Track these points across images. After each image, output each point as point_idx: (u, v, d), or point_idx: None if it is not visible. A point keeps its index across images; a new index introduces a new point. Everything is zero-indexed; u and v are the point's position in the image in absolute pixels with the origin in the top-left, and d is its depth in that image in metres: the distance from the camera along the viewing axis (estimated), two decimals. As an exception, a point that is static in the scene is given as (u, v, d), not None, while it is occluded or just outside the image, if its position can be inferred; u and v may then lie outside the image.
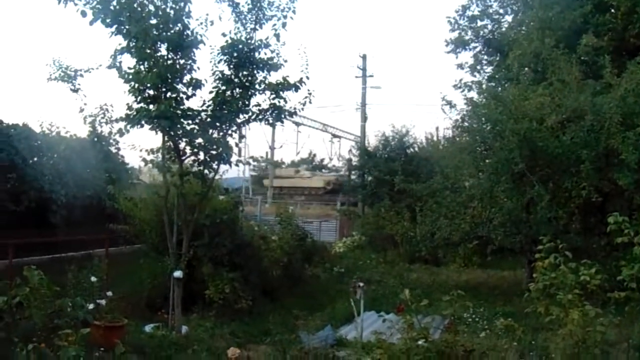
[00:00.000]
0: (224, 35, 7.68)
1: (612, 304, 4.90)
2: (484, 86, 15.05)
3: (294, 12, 7.58)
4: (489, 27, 18.65)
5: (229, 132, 7.99)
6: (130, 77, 7.18)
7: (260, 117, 8.09)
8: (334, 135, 49.37)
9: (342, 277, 13.25)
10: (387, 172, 19.56)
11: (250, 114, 8.04)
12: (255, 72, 7.83)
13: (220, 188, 10.90)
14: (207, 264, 9.63)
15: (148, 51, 7.13)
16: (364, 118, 26.51)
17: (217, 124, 7.82)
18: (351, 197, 24.91)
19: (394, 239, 17.87)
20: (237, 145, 8.01)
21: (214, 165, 7.95)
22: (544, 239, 5.18)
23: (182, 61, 7.39)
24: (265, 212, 24.66)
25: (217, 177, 8.74)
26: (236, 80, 7.76)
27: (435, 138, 21.23)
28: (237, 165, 8.57)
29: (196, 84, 7.54)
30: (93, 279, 7.39)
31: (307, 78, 7.94)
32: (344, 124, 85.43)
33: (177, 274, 7.91)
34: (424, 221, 13.15)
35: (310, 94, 8.15)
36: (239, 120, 8.00)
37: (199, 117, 7.68)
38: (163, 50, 7.33)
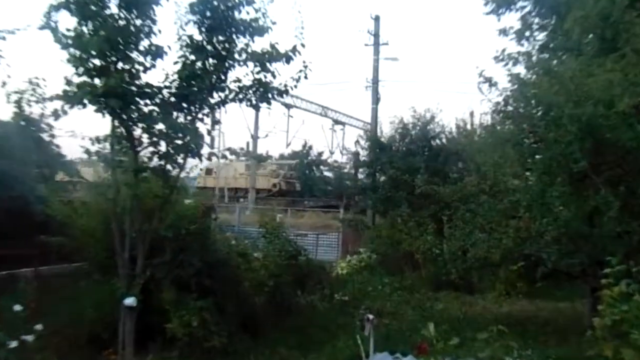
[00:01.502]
0: (193, -13, 7.76)
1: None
2: (534, 58, 14.98)
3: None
4: (543, -22, 18.64)
5: (200, 115, 8.05)
6: (70, 41, 7.19)
7: (240, 96, 8.14)
8: (336, 122, 49.87)
9: (346, 308, 13.29)
10: (406, 170, 19.81)
11: (227, 92, 8.09)
12: (234, 37, 7.89)
13: (187, 189, 10.97)
14: (169, 288, 9.67)
15: (93, 7, 7.15)
16: (376, 99, 26.64)
17: (184, 104, 7.86)
18: (358, 203, 25.24)
19: (413, 258, 17.93)
20: (209, 133, 8.13)
21: (179, 159, 8.00)
22: (612, 260, 5.16)
23: (138, 22, 7.43)
24: (245, 222, 25.11)
25: (183, 174, 8.82)
26: (209, 47, 7.80)
27: (469, 126, 21.30)
28: (209, 159, 8.46)
29: (157, 52, 7.56)
30: (17, 307, 7.39)
31: (303, 46, 7.98)
32: (349, 107, 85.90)
33: (129, 301, 7.94)
34: (454, 235, 13.09)
35: (306, 66, 8.20)
36: (212, 101, 8.04)
37: (160, 96, 7.72)
38: (113, 6, 7.39)
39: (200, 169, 42.47)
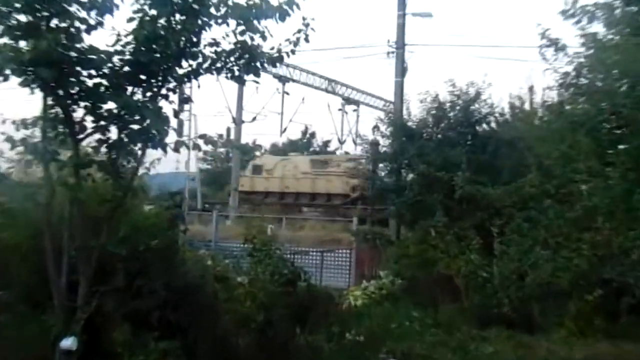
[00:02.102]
0: None
1: None
2: (617, 12, 14.76)
3: None
4: None
5: (163, 91, 8.04)
6: (-17, -9, 7.24)
7: (218, 65, 8.16)
8: (348, 100, 47.96)
9: (362, 351, 13.17)
10: (442, 165, 19.70)
11: (200, 59, 8.10)
12: (209, -17, 7.83)
13: (147, 191, 11.10)
14: (121, 325, 9.59)
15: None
16: (402, 70, 26.25)
17: (142, 76, 7.83)
18: (376, 209, 25.09)
19: (452, 284, 17.53)
20: (177, 115, 8.32)
21: (136, 150, 7.98)
22: None
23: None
24: (225, 236, 24.91)
25: (141, 171, 8.83)
26: (176, -1, 7.75)
27: (527, 106, 21.03)
28: (176, 150, 8.34)
29: (104, 5, 7.52)
30: None
31: (303, -4, 7.91)
32: (365, 81, 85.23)
33: (67, 343, 7.87)
34: (507, 253, 13.30)
35: (307, 25, 8.21)
36: (180, 71, 8.02)
37: (110, 65, 7.68)
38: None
39: (246, 166, 45.34)
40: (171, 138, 8.13)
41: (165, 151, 8.14)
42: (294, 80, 39.22)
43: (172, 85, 8.06)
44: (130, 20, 7.73)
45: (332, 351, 13.19)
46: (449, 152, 20.05)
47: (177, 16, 7.79)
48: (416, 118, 22.41)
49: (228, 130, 45.57)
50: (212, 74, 8.18)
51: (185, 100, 8.69)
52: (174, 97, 8.06)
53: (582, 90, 12.39)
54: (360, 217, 26.55)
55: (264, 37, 8.06)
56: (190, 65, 8.09)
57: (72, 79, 7.50)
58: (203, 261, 12.69)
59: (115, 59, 7.71)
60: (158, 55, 7.73)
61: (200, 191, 45.99)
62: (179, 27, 7.79)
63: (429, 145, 20.95)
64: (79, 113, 7.83)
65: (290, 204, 42.45)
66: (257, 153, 52.51)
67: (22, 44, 7.26)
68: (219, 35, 8.04)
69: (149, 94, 7.91)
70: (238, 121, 39.74)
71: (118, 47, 7.73)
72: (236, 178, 40.96)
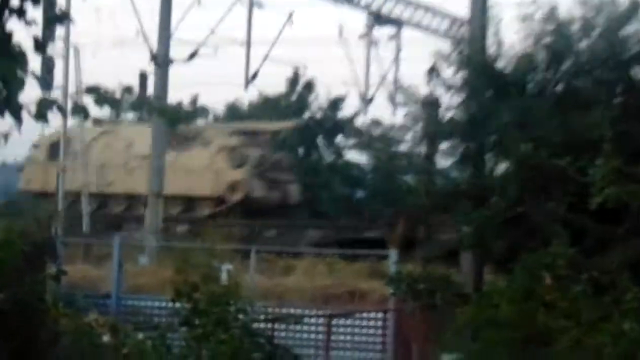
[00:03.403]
0: None
1: None
2: None
3: None
4: None
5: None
6: None
7: None
8: (379, 19, 31.20)
9: None
10: (565, 145, 14.36)
11: None
12: None
13: None
14: None
15: None
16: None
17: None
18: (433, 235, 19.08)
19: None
20: (40, 47, 6.19)
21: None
22: None
23: None
24: (136, 286, 18.83)
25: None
26: None
27: None
28: (40, 117, 6.11)
29: None
30: None
31: None
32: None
33: None
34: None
35: None
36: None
37: None
38: None
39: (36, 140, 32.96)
40: (31, 94, 6.18)
41: (19, 120, 5.98)
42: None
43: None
44: None
45: None
46: (579, 119, 14.62)
47: None
48: (514, 53, 16.23)
49: (142, 77, 30.01)
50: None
51: (57, 18, 6.13)
52: (35, 14, 5.81)
53: None
54: (401, 247, 19.29)
55: None
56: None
57: None
58: (94, 337, 10.97)
59: None
60: None
61: (88, 198, 29.66)
62: None
63: (539, 107, 15.21)
64: None
65: (112, 215, 30.72)
66: (200, 122, 37.44)
67: None
68: None
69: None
70: (162, 59, 25.84)
71: None
72: (157, 169, 27.14)
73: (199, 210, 30.81)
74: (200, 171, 30.35)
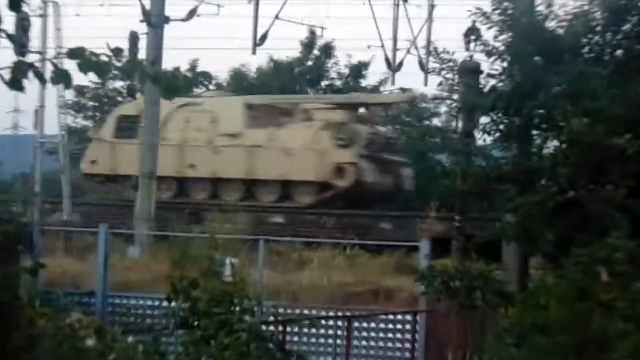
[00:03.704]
0: None
1: None
2: None
3: None
4: None
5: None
6: None
7: None
8: None
9: None
10: (623, 120, 13.77)
11: None
12: None
13: None
14: None
15: None
16: None
17: None
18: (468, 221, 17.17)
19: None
20: (13, 4, 5.54)
21: None
22: None
23: None
24: (125, 282, 17.57)
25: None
26: None
27: None
28: (15, 86, 5.37)
29: None
30: None
31: None
32: None
33: None
34: None
35: None
36: None
37: None
38: None
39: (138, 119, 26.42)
40: (4, 59, 5.70)
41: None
42: None
43: None
44: None
45: None
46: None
47: None
48: (566, 12, 14.88)
49: (133, 38, 25.70)
50: None
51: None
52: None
53: None
54: (437, 242, 17.72)
55: None
56: None
57: None
58: (76, 340, 10.64)
59: None
60: None
61: (69, 180, 28.06)
62: None
63: (595, 75, 14.12)
64: None
65: (197, 204, 28.10)
66: (199, 90, 31.35)
67: None
68: None
69: None
70: (156, 19, 23.71)
71: None
72: (150, 146, 24.58)
73: (298, 198, 27.87)
74: (302, 152, 27.41)
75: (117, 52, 12.31)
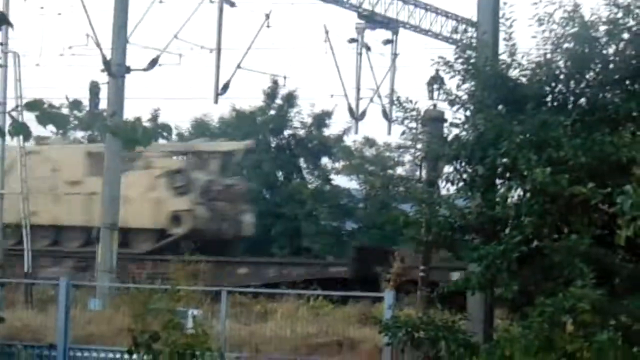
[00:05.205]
0: None
1: None
2: None
3: None
4: None
5: None
6: None
7: None
8: (371, 19, 28.44)
9: None
10: (588, 168, 13.83)
11: None
12: None
13: None
14: None
15: None
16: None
17: None
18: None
19: None
20: None
21: None
22: None
23: None
24: (88, 335, 17.35)
25: None
26: None
27: None
28: None
29: None
30: None
31: None
32: None
33: None
34: None
35: None
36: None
37: None
38: None
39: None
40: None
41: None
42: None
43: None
44: None
45: None
46: (606, 138, 13.66)
47: None
48: (529, 61, 14.82)
49: (94, 88, 25.67)
50: None
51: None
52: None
53: None
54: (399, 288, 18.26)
55: None
56: None
57: None
58: None
59: None
60: None
61: (28, 223, 24.96)
62: None
63: (559, 124, 14.02)
64: None
65: (37, 250, 26.32)
66: (160, 141, 32.28)
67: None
68: None
69: None
70: (116, 69, 23.24)
71: None
72: (109, 197, 24.30)
73: (137, 245, 28.20)
74: (139, 199, 27.77)
75: (76, 103, 11.70)
